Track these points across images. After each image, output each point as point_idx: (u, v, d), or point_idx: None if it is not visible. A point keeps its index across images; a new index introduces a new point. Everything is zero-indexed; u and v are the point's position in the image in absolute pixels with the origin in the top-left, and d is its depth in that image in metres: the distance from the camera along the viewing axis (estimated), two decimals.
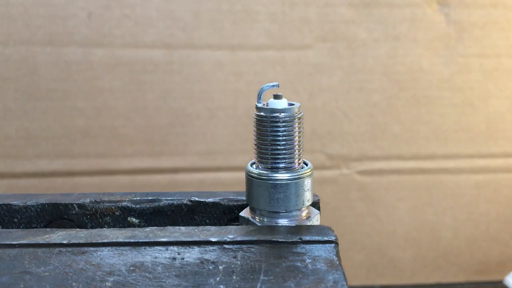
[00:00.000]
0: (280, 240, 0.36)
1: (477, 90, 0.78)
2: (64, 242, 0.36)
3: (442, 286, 0.83)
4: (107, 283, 0.32)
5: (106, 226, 0.45)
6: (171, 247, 0.36)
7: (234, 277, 0.32)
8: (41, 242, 0.36)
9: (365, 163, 0.79)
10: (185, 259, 0.34)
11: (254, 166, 0.41)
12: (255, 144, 0.41)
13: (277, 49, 0.75)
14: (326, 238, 0.37)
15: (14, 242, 0.36)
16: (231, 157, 0.77)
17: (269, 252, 0.35)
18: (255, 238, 0.37)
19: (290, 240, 0.36)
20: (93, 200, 0.44)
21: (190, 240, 0.37)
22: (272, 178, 0.39)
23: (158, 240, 0.36)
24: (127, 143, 0.76)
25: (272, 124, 0.39)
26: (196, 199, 0.45)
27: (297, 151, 0.40)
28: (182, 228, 0.39)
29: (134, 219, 0.45)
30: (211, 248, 0.36)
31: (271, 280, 0.32)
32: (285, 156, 0.40)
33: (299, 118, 0.40)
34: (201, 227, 0.39)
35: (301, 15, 0.74)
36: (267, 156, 0.40)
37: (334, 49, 0.76)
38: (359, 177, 0.79)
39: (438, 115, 0.78)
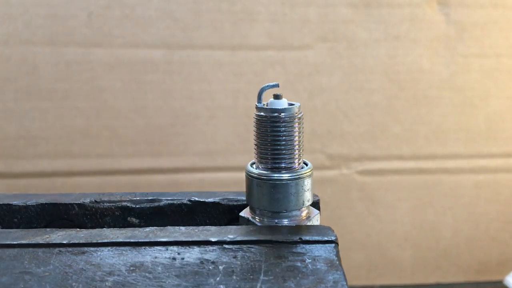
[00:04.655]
0: (280, 240, 0.36)
1: (477, 90, 0.78)
2: (64, 242, 0.36)
3: (442, 286, 0.83)
4: (107, 283, 0.32)
5: (106, 226, 0.45)
6: (171, 247, 0.36)
7: (234, 277, 0.32)
8: (41, 242, 0.36)
9: (365, 163, 0.79)
10: (185, 259, 0.34)
11: (254, 166, 0.41)
12: (255, 144, 0.41)
13: (277, 49, 0.75)
14: (326, 238, 0.37)
15: (14, 242, 0.36)
16: (231, 157, 0.77)
17: (269, 252, 0.35)
18: (255, 238, 0.37)
19: (290, 240, 0.36)
20: (93, 200, 0.44)
21: (190, 240, 0.37)
22: (272, 178, 0.39)
23: (158, 240, 0.36)
24: (127, 143, 0.76)
25: (272, 124, 0.39)
26: (196, 199, 0.45)
27: (297, 151, 0.40)
28: (182, 228, 0.39)
29: (134, 219, 0.45)
30: (211, 248, 0.36)
31: (271, 280, 0.32)
32: (285, 156, 0.40)
33: (299, 118, 0.40)
34: (201, 227, 0.39)
35: (301, 15, 0.74)
36: (267, 156, 0.40)
37: (334, 49, 0.76)
38: (359, 177, 0.79)
39: (438, 115, 0.78)
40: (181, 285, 0.32)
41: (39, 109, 0.74)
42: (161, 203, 0.45)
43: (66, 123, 0.74)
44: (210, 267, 0.33)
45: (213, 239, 0.37)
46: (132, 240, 0.36)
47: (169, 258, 0.35)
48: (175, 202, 0.45)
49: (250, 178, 0.40)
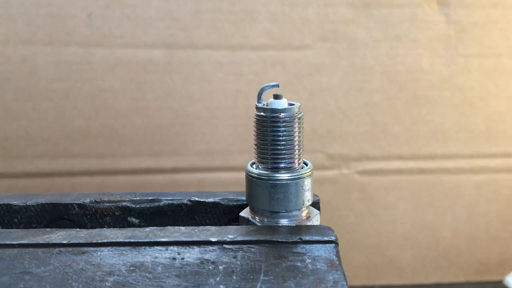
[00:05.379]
0: (280, 240, 0.36)
1: (477, 90, 0.78)
2: (64, 242, 0.36)
3: (442, 286, 0.83)
4: (107, 283, 0.32)
5: (106, 226, 0.45)
6: (171, 247, 0.36)
7: (234, 277, 0.32)
8: (41, 242, 0.36)
9: (365, 163, 0.79)
10: (185, 259, 0.34)
11: (254, 166, 0.41)
12: (255, 144, 0.41)
13: (277, 49, 0.75)
14: (326, 238, 0.37)
15: (14, 242, 0.36)
16: (231, 157, 0.77)
17: (269, 252, 0.35)
18: (255, 238, 0.37)
19: (290, 240, 0.36)
20: (93, 200, 0.44)
21: (190, 240, 0.37)
22: (272, 178, 0.39)
23: (158, 240, 0.36)
24: (127, 143, 0.76)
25: (272, 124, 0.39)
26: (196, 199, 0.45)
27: (297, 151, 0.40)
28: (182, 228, 0.39)
29: (134, 219, 0.45)
30: (211, 248, 0.36)
31: (271, 280, 0.32)
32: (285, 156, 0.40)
33: (299, 118, 0.40)
34: (201, 227, 0.39)
35: (301, 15, 0.74)
36: (267, 156, 0.40)
37: (334, 49, 0.76)
38: (359, 177, 0.79)
39: (438, 115, 0.78)
40: (181, 285, 0.32)
41: (39, 109, 0.74)
42: (161, 203, 0.45)
43: (66, 123, 0.74)
44: (210, 267, 0.33)
45: (213, 239, 0.37)
46: (132, 240, 0.36)
47: (169, 258, 0.35)
48: (175, 202, 0.45)
49: (250, 178, 0.40)
